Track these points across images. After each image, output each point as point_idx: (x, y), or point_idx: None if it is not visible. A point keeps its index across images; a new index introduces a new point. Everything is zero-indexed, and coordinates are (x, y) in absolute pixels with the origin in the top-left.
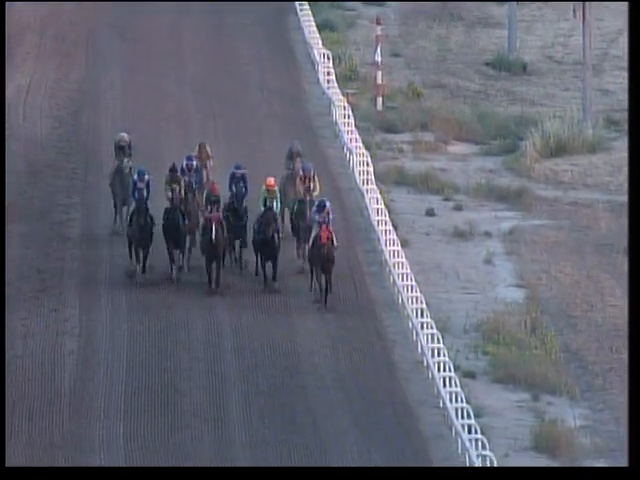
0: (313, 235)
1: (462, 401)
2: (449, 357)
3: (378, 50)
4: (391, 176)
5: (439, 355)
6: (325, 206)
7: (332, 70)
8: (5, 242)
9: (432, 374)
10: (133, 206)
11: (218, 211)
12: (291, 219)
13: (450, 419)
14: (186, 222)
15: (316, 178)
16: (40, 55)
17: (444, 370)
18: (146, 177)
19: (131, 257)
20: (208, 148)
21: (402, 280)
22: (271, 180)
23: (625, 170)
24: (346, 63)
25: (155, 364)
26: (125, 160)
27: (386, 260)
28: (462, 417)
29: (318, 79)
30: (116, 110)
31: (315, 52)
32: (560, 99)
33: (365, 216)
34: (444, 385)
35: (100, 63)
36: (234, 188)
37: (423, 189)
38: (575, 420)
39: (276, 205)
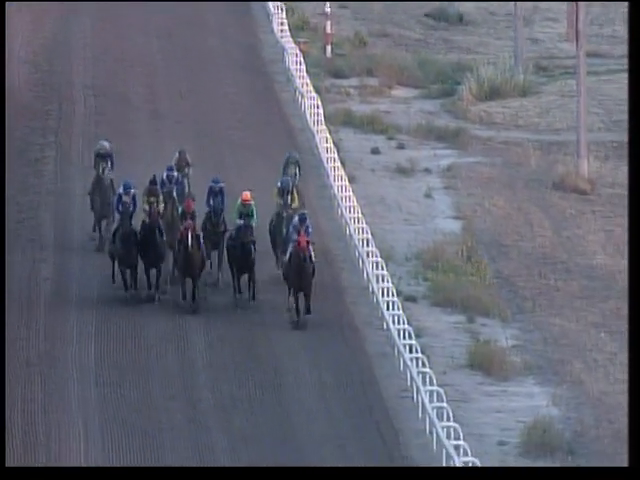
0: (289, 251)
1: (404, 323)
2: (392, 283)
3: (327, 2)
4: (339, 118)
5: (383, 281)
6: (305, 219)
7: (285, 21)
8: None
9: (377, 299)
10: (117, 222)
11: (194, 224)
12: (270, 232)
13: (393, 339)
14: (164, 238)
15: (295, 191)
16: (18, 8)
17: (388, 295)
18: (132, 191)
19: (114, 278)
20: (188, 156)
21: (349, 212)
22: (247, 194)
23: (553, 112)
24: (298, 14)
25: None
26: (106, 170)
27: (335, 194)
28: (404, 337)
29: (272, 29)
30: (87, 56)
31: (270, 4)
32: (494, 47)
33: (315, 154)
34: (388, 308)
35: (73, 15)
36: (212, 202)
37: (369, 129)
38: (507, 340)
39: (252, 219)
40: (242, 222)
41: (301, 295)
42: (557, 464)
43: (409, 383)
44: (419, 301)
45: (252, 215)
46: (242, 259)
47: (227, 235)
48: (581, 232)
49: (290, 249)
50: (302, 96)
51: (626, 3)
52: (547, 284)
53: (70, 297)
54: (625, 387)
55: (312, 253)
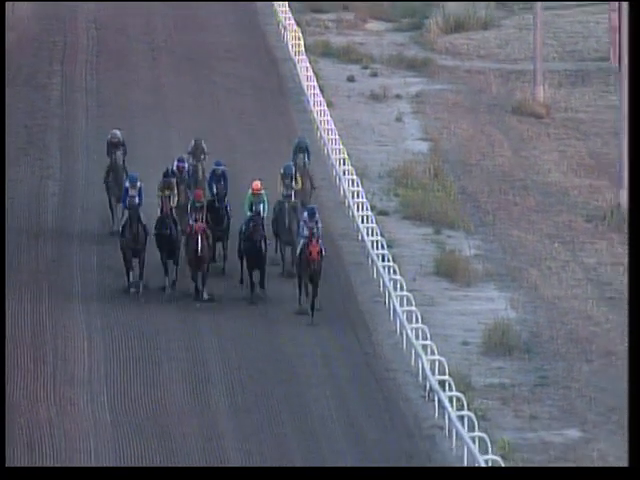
0: (300, 246)
1: (377, 235)
2: (367, 198)
3: None
4: (318, 49)
5: (358, 197)
6: (315, 214)
7: None
8: None
9: (352, 213)
10: (125, 215)
11: (203, 219)
12: (272, 221)
13: (367, 250)
14: (178, 228)
15: (297, 175)
16: None
17: (362, 209)
18: (138, 184)
19: (128, 273)
20: (204, 144)
21: (328, 134)
22: (257, 184)
23: (512, 43)
24: None
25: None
26: (119, 154)
27: (314, 118)
28: (377, 248)
29: None
30: None
31: None
32: None
33: (296, 82)
34: (362, 222)
35: None
36: (215, 187)
37: (345, 59)
38: (470, 250)
39: (263, 208)
40: (252, 215)
41: (310, 286)
42: (515, 362)
43: (382, 289)
44: (391, 215)
45: (264, 203)
46: (254, 255)
47: (239, 230)
48: (537, 152)
49: (301, 245)
50: (285, 29)
51: None
52: (506, 199)
53: (75, 208)
54: (577, 292)
55: (323, 249)
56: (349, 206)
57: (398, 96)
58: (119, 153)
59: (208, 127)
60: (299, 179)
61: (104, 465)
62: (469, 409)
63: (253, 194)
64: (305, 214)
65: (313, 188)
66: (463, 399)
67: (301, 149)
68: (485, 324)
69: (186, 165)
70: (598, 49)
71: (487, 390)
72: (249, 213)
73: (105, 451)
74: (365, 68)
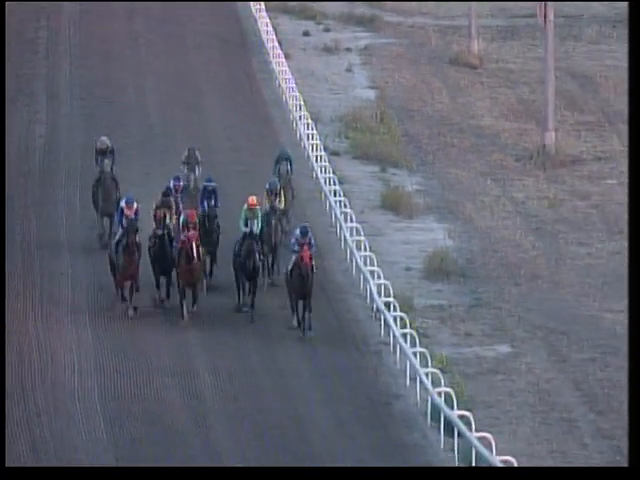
0: (293, 261)
1: (329, 172)
2: (320, 140)
3: None
4: (277, 6)
5: (313, 139)
6: (307, 232)
7: None
8: None
9: (308, 153)
10: (120, 233)
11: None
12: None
13: (321, 186)
14: (174, 246)
15: (282, 192)
16: None
17: (316, 150)
18: (134, 205)
19: (117, 289)
20: (198, 154)
21: (286, 83)
22: (253, 199)
23: (451, 2)
24: None
25: None
26: (107, 162)
27: (273, 69)
28: (329, 184)
29: None
30: None
31: None
32: None
33: (258, 36)
34: (316, 161)
35: None
36: (205, 204)
37: (301, 16)
38: (412, 186)
39: (257, 224)
40: (248, 230)
41: (301, 302)
42: (452, 285)
43: (333, 221)
44: (342, 155)
45: (257, 219)
46: (249, 269)
47: (233, 248)
48: (472, 99)
49: (293, 260)
50: None
51: None
52: (444, 141)
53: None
54: (507, 223)
55: (314, 264)
56: (304, 147)
57: (348, 49)
58: (107, 161)
59: (179, 75)
60: (283, 197)
61: None
62: (411, 327)
63: (249, 209)
64: (297, 232)
65: (293, 197)
66: (406, 318)
67: (283, 159)
68: (425, 252)
69: (182, 184)
70: (526, 7)
71: (427, 310)
72: (244, 229)
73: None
74: (319, 24)
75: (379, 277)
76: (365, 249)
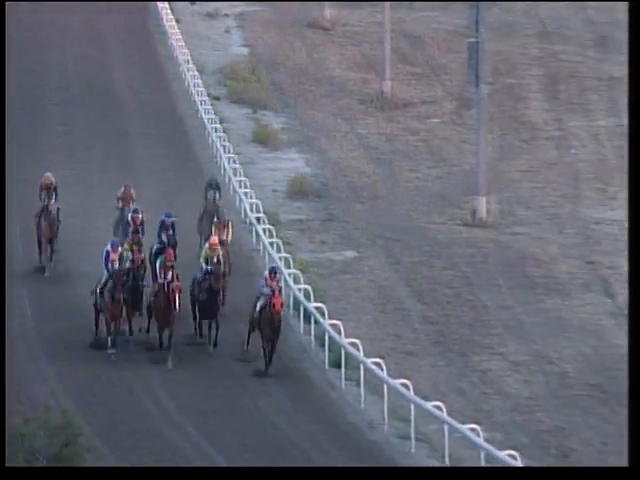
0: (262, 303)
1: (212, 114)
2: (204, 87)
3: None
4: None
5: (198, 86)
6: (276, 272)
7: None
8: None
9: (194, 98)
10: (105, 276)
11: (178, 280)
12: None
13: (205, 124)
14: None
15: (230, 224)
16: None
17: (201, 95)
18: (119, 249)
19: (97, 328)
20: (132, 191)
21: (177, 42)
22: (215, 239)
23: None
24: None
25: None
26: (52, 202)
27: (167, 31)
28: (212, 123)
29: None
30: None
31: None
32: None
33: (154, 4)
34: (201, 104)
35: None
36: (164, 236)
37: None
38: (277, 124)
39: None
40: (209, 267)
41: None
42: (310, 204)
43: (215, 152)
44: (221, 100)
45: (219, 257)
46: (209, 305)
47: (193, 283)
48: (325, 55)
49: (261, 302)
50: None
51: None
52: (304, 88)
53: None
54: (354, 154)
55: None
56: (191, 93)
57: (226, 15)
58: (52, 201)
59: (91, 35)
60: (230, 230)
61: None
62: (277, 237)
63: (210, 248)
64: (266, 273)
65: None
66: (273, 230)
67: (212, 186)
68: (288, 177)
69: (140, 215)
70: None
71: (290, 224)
72: (205, 266)
73: None
74: None
75: (251, 197)
76: (240, 175)
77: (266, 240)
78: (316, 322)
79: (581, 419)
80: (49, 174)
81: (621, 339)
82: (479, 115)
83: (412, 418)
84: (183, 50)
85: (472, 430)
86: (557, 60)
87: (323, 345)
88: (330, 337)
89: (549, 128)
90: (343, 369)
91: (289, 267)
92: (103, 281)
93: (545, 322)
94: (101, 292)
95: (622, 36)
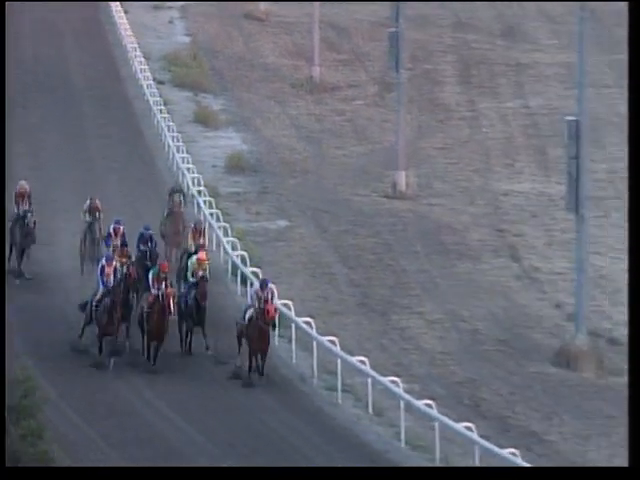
0: (250, 313)
1: (157, 96)
2: (150, 72)
3: None
4: None
5: (145, 72)
6: (267, 284)
7: None
8: None
9: (140, 83)
10: (101, 290)
11: (171, 286)
12: (179, 271)
13: (150, 106)
14: (134, 295)
15: (205, 231)
16: None
17: (147, 80)
18: (114, 263)
19: (81, 335)
20: (98, 202)
21: (125, 32)
22: (203, 255)
23: None
24: None
25: None
26: (26, 210)
27: (116, 21)
28: (157, 105)
29: None
30: None
31: None
32: None
33: (102, 3)
34: (147, 88)
35: None
36: (142, 247)
37: None
38: (217, 106)
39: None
40: (195, 280)
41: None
42: (246, 178)
43: (160, 131)
44: (166, 84)
45: (206, 271)
46: (197, 314)
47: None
48: (260, 43)
49: (250, 312)
50: None
51: None
52: (240, 73)
53: None
54: (285, 133)
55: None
56: (138, 78)
57: (170, 7)
58: (26, 209)
59: (47, 26)
60: (206, 236)
61: None
62: (217, 208)
63: (198, 263)
64: (257, 284)
65: (184, 229)
66: (213, 202)
67: (175, 191)
68: (227, 153)
69: (121, 227)
70: None
71: (228, 196)
72: (192, 279)
73: None
74: None
75: (193, 172)
76: (183, 152)
77: (206, 211)
78: (252, 285)
79: (490, 371)
80: (23, 182)
81: (526, 299)
82: (399, 97)
83: (339, 372)
84: (131, 39)
85: (393, 382)
86: (469, 48)
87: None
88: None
89: (462, 109)
90: (277, 328)
91: (227, 235)
92: (99, 296)
93: (458, 284)
94: (96, 306)
95: (527, 27)
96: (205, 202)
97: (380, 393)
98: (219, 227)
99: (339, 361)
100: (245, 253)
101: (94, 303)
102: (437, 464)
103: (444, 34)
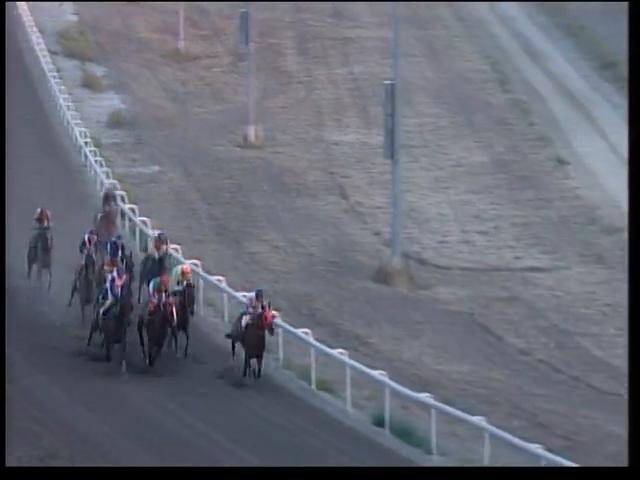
0: (247, 320)
1: (50, 65)
2: (45, 44)
3: None
4: None
5: (40, 45)
6: (262, 295)
7: None
8: None
9: (36, 53)
10: (111, 300)
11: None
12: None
13: (47, 76)
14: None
15: (168, 241)
16: None
17: (42, 51)
18: (124, 276)
19: (89, 341)
20: (48, 212)
21: (24, 12)
22: (187, 267)
23: None
24: None
25: None
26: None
27: (20, 14)
28: (51, 72)
29: None
30: None
31: None
32: None
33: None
34: (43, 57)
35: None
36: (113, 255)
37: None
38: (100, 73)
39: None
40: (180, 287)
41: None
42: (124, 132)
43: (53, 93)
44: (58, 54)
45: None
46: (182, 318)
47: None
48: (135, 22)
49: (247, 319)
50: None
51: None
52: (119, 46)
53: None
54: (158, 95)
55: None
56: (35, 49)
57: (61, 2)
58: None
59: None
60: (168, 245)
61: None
62: (100, 156)
63: (183, 274)
64: (252, 294)
65: (116, 229)
66: (97, 151)
67: (108, 196)
68: (108, 112)
69: (95, 237)
70: None
71: (109, 146)
72: (177, 287)
73: None
74: None
75: (81, 127)
76: (72, 110)
77: (92, 158)
78: (130, 220)
79: (323, 287)
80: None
81: (352, 229)
82: (249, 66)
83: (201, 288)
84: (31, 21)
85: (244, 296)
86: (306, 25)
87: (134, 235)
88: (141, 231)
89: (300, 75)
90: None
91: (109, 178)
92: (108, 305)
93: (297, 217)
94: (104, 314)
95: (352, 8)
96: (91, 151)
97: (235, 305)
98: (103, 172)
99: (200, 280)
100: (124, 192)
101: (102, 311)
102: (280, 364)
103: (286, 14)
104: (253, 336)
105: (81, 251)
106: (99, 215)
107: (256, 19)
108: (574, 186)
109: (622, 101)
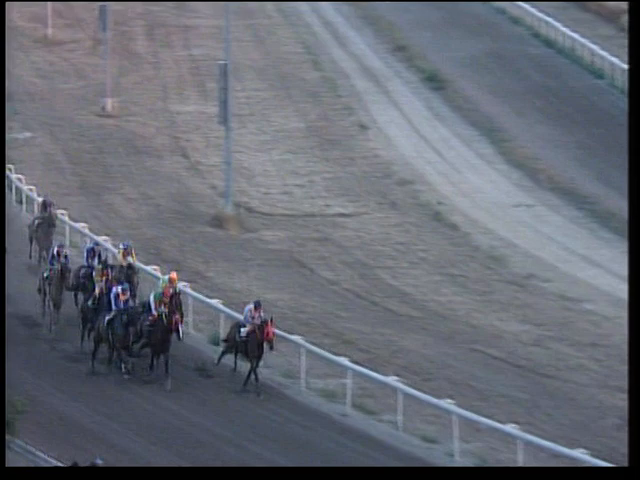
0: (247, 330)
1: None
2: None
3: None
4: None
5: None
6: (260, 305)
7: None
8: None
9: None
10: (114, 312)
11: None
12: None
13: None
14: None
15: (134, 251)
16: None
17: None
18: (128, 293)
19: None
20: (52, 200)
21: None
22: (174, 275)
23: None
24: None
25: None
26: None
27: None
28: None
29: None
30: None
31: None
32: None
33: None
34: None
35: None
36: (90, 261)
37: None
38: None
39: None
40: (173, 293)
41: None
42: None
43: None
44: None
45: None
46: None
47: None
48: (10, 12)
49: (248, 329)
50: None
51: None
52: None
53: None
54: (31, 73)
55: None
56: None
57: None
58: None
59: None
60: (134, 255)
61: None
62: None
63: (170, 282)
64: (251, 305)
65: (53, 226)
66: None
67: (46, 203)
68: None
69: (65, 250)
70: None
71: None
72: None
73: None
74: None
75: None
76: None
77: None
78: (7, 177)
79: (169, 231)
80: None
81: (193, 183)
82: (106, 49)
83: (67, 234)
84: None
85: (105, 240)
86: (154, 15)
87: (11, 190)
88: (16, 186)
89: (149, 57)
90: (25, 204)
91: None
92: (112, 315)
93: (147, 174)
94: (109, 323)
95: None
96: None
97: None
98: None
99: (67, 228)
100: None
101: (106, 321)
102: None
103: (136, 5)
104: (255, 345)
105: (51, 263)
106: (36, 221)
107: (112, 10)
108: (373, 147)
109: (411, 77)
